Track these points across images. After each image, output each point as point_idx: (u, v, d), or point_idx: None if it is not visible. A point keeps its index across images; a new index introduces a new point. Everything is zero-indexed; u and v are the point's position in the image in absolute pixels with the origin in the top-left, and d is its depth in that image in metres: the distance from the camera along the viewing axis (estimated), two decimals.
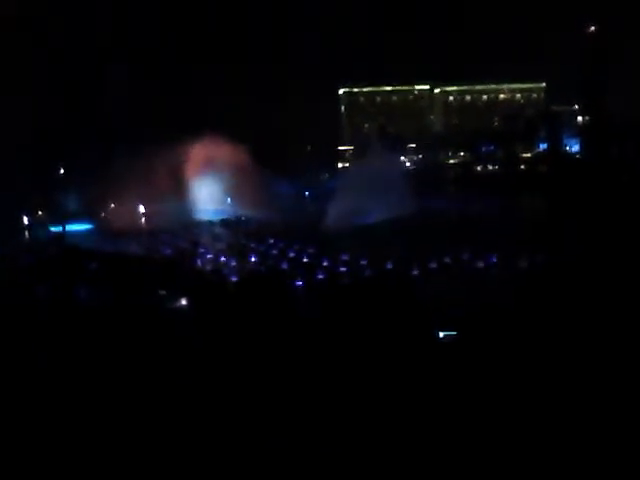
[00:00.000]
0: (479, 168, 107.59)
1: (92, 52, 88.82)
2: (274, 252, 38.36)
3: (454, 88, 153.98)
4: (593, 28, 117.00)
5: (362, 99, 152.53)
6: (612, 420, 10.93)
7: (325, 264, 31.96)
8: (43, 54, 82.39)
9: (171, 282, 23.77)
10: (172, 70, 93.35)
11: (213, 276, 29.91)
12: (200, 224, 60.31)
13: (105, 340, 16.89)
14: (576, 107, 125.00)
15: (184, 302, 20.60)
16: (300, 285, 27.17)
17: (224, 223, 60.83)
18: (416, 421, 11.55)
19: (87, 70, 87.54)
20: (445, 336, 16.49)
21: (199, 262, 36.18)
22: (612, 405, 11.49)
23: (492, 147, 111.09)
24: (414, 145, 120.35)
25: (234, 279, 28.94)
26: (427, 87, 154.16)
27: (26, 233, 58.42)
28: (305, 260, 34.73)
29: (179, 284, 23.41)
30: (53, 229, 58.95)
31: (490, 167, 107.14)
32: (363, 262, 30.87)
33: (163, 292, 21.95)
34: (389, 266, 29.53)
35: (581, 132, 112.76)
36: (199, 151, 72.49)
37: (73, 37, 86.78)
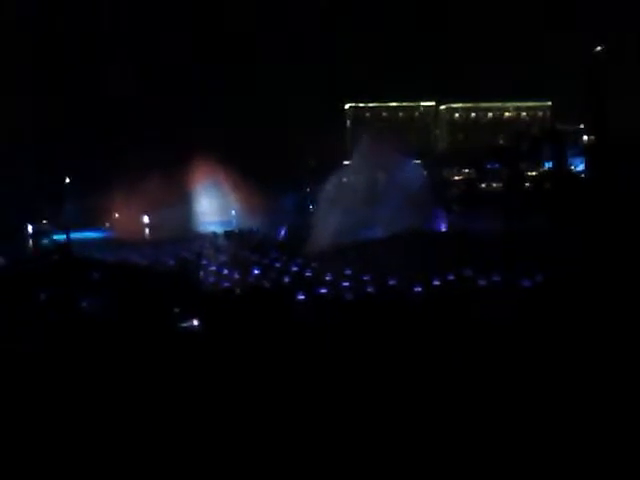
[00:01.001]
0: (484, 185, 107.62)
1: (98, 62, 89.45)
2: (277, 265, 38.42)
3: (460, 105, 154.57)
4: (598, 47, 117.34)
5: (368, 114, 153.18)
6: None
7: (328, 278, 31.95)
8: (48, 62, 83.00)
9: (178, 297, 23.56)
10: (178, 83, 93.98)
11: (216, 289, 29.92)
12: (203, 236, 60.37)
13: (111, 352, 16.84)
14: (582, 126, 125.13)
15: (195, 322, 20.10)
16: (302, 299, 27.11)
17: (227, 235, 60.91)
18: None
19: (93, 79, 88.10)
20: None
21: (202, 274, 36.15)
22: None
23: (497, 165, 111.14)
24: (419, 161, 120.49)
25: (237, 292, 28.96)
26: (433, 104, 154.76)
27: (30, 242, 58.49)
28: (308, 274, 34.76)
29: (187, 300, 23.15)
30: (57, 237, 59.02)
31: (495, 185, 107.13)
32: (365, 277, 30.85)
33: (177, 310, 21.46)
34: (391, 282, 29.46)
35: (586, 151, 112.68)
36: (204, 163, 72.72)
37: (78, 45, 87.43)
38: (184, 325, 20.18)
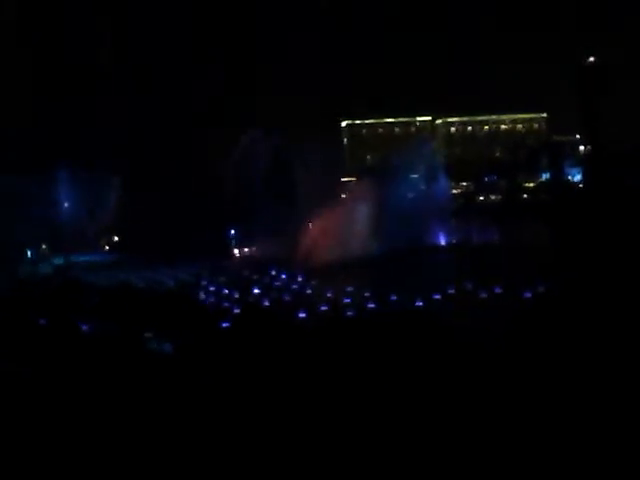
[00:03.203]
0: (482, 198, 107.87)
1: (101, 82, 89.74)
2: (276, 284, 38.31)
3: (456, 119, 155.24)
4: (592, 58, 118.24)
5: (364, 131, 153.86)
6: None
7: (328, 295, 31.79)
8: (46, 85, 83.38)
9: (165, 321, 23.31)
10: (173, 103, 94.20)
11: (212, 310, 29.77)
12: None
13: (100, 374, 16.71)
14: (578, 137, 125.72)
15: (169, 346, 19.65)
16: (303, 317, 26.93)
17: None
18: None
19: (90, 102, 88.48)
20: None
21: (200, 295, 36.01)
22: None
23: (494, 177, 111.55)
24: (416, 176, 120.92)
25: (236, 311, 28.79)
26: (429, 118, 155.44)
27: (29, 266, 58.33)
28: (308, 292, 34.62)
29: (172, 323, 22.87)
30: (56, 261, 59.01)
31: (493, 197, 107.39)
32: (366, 294, 30.68)
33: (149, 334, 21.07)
34: (392, 298, 29.29)
35: (583, 161, 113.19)
36: (198, 179, 73.06)
37: (80, 59, 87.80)
38: (156, 347, 19.80)
